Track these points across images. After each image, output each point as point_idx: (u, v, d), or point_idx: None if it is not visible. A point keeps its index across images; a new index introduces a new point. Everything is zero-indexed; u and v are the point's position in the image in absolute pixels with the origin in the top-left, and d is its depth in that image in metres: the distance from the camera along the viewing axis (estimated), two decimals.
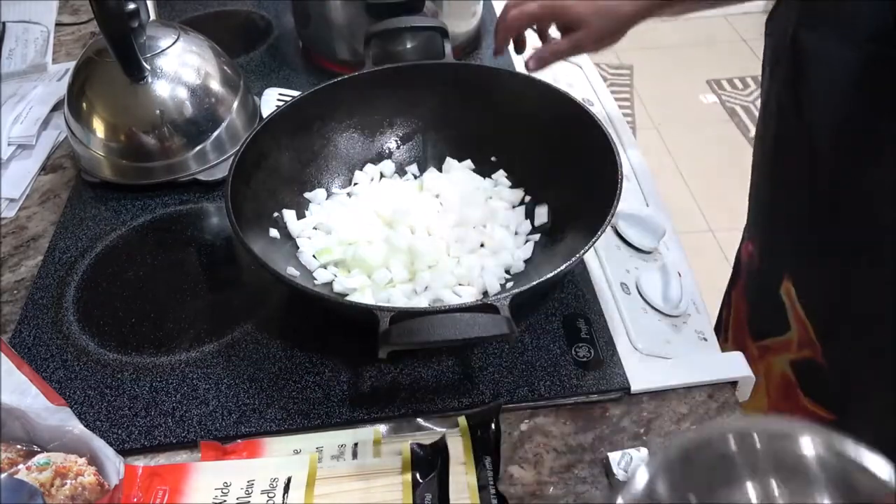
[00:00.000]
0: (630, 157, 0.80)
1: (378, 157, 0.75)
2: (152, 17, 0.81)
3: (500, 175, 0.73)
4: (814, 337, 0.66)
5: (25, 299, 0.66)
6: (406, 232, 0.66)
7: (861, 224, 0.59)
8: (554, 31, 0.76)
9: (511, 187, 0.72)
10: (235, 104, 0.80)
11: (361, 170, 0.74)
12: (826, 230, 0.62)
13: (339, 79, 0.72)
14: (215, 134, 0.78)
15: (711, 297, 0.73)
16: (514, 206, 0.70)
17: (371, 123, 0.75)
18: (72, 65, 0.79)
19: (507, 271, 0.64)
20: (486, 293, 0.62)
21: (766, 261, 0.73)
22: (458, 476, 0.49)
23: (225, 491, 0.48)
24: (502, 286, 0.63)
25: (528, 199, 0.70)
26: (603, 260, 0.67)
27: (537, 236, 0.67)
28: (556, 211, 0.68)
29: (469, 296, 0.62)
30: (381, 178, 0.74)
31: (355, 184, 0.73)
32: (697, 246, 2.00)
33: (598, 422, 0.55)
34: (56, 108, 0.90)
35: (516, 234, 0.67)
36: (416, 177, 0.74)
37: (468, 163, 0.74)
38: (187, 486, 0.49)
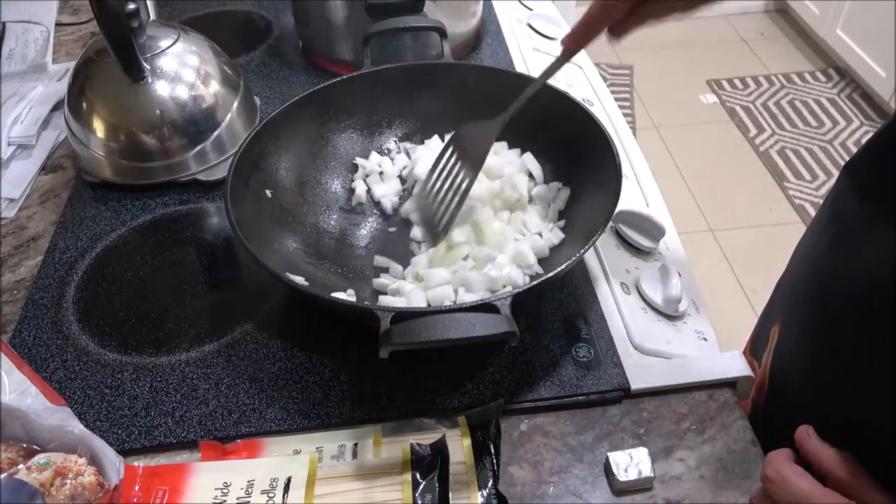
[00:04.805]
0: (630, 157, 0.80)
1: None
2: (152, 17, 0.81)
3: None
4: (766, 390, 0.62)
5: (25, 299, 0.66)
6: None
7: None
8: None
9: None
10: (235, 104, 0.80)
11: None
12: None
13: (338, 79, 0.72)
14: (215, 134, 0.78)
15: (711, 298, 0.73)
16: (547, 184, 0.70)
17: (371, 123, 0.75)
18: (72, 65, 0.79)
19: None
20: (489, 292, 0.62)
21: (777, 293, 0.69)
22: (458, 476, 0.49)
23: (225, 491, 0.48)
24: (531, 277, 0.62)
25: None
26: (603, 260, 0.67)
27: (562, 223, 0.66)
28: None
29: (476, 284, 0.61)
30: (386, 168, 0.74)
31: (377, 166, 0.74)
32: (697, 246, 2.00)
33: (598, 422, 0.55)
34: (56, 108, 0.90)
35: (544, 218, 0.67)
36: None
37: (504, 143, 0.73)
38: (187, 486, 0.49)
